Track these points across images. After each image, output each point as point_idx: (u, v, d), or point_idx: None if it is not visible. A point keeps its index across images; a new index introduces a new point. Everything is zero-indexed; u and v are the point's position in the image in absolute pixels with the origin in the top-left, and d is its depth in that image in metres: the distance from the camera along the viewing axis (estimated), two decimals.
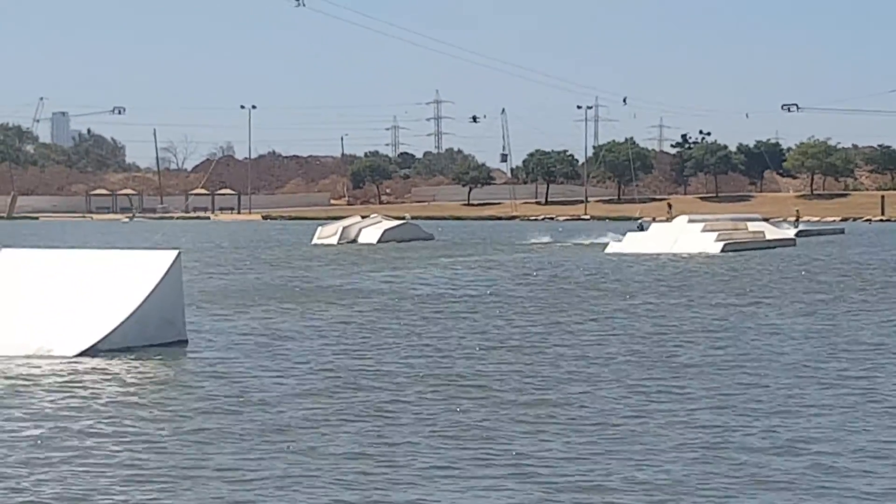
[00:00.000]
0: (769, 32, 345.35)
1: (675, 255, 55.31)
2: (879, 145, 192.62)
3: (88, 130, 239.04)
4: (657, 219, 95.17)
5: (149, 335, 20.28)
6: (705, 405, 15.33)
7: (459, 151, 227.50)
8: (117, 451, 12.65)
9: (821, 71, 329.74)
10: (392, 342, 21.59)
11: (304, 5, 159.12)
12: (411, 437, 13.32)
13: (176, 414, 14.73)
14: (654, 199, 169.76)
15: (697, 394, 16.16)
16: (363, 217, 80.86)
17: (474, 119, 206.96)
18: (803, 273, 42.88)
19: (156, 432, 13.55)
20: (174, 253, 21.36)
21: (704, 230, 61.19)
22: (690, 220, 64.30)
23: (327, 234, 70.97)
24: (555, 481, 11.47)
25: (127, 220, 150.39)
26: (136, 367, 18.32)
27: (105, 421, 14.22)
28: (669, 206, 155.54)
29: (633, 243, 59.69)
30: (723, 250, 57.85)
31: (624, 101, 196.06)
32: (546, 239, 75.61)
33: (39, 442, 13.07)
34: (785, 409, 15.07)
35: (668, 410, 14.94)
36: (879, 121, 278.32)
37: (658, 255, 55.05)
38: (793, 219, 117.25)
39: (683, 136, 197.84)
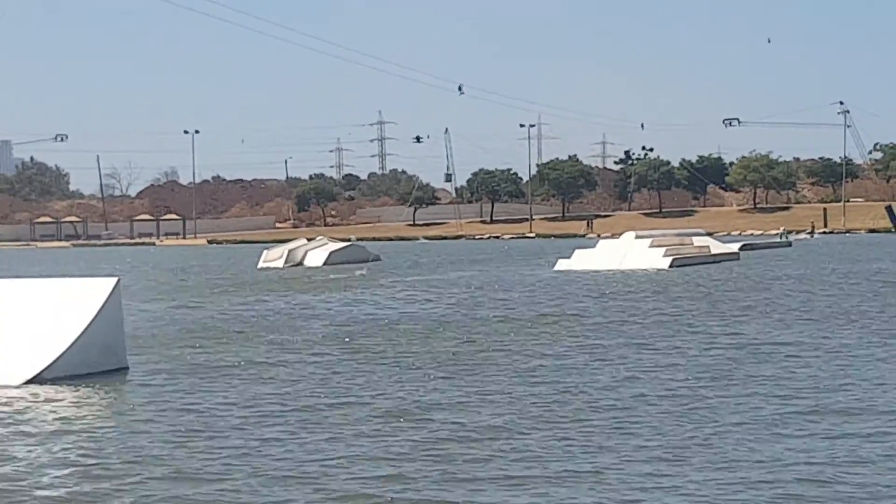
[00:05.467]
0: (709, 47, 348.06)
1: (624, 271, 55.21)
2: (821, 158, 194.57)
3: (31, 158, 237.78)
4: (588, 235, 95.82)
5: (91, 363, 20.01)
6: None
7: (403, 172, 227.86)
8: (60, 477, 12.50)
9: (761, 85, 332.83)
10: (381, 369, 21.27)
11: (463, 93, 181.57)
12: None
13: (117, 439, 14.49)
14: (599, 216, 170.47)
15: None
16: (309, 240, 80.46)
17: (418, 139, 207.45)
18: None
19: (100, 457, 13.33)
20: (113, 280, 21.10)
21: (652, 246, 61.22)
22: (638, 237, 64.33)
23: (273, 258, 70.52)
24: None
25: None
26: (80, 395, 18.04)
27: (52, 447, 14.10)
28: (589, 222, 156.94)
29: (581, 260, 59.57)
30: (671, 265, 57.85)
31: (642, 126, 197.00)
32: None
33: None
34: None
35: None
36: (820, 133, 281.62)
37: (607, 271, 54.98)
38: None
39: (626, 153, 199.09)
